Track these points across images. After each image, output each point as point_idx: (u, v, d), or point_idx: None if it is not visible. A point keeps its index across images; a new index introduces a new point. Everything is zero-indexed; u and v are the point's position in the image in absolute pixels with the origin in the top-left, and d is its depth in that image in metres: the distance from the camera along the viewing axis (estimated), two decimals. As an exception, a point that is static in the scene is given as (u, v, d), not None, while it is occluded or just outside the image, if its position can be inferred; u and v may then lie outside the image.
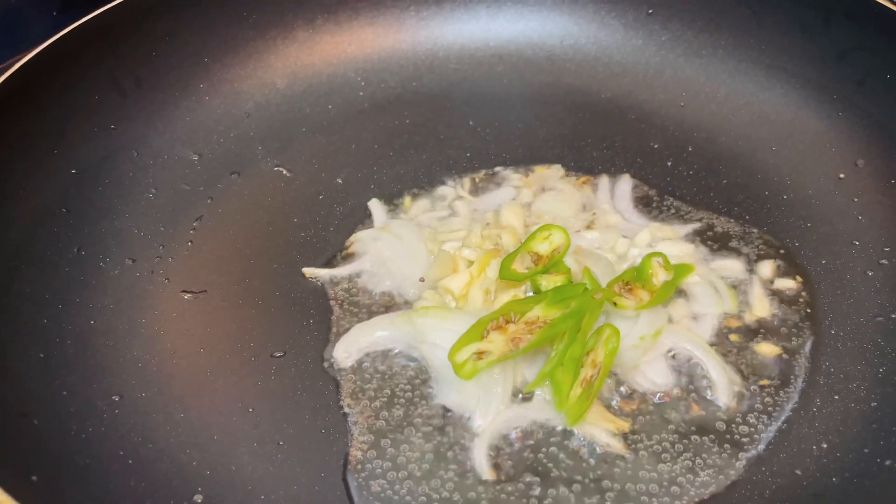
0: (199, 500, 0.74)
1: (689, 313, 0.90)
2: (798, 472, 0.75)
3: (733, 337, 0.88)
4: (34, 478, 0.63)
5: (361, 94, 1.22)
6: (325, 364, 0.88)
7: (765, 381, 0.84)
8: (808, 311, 0.90)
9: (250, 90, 1.18)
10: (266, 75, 1.20)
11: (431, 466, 0.78)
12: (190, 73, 1.14)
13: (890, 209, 0.97)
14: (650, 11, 1.22)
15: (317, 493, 0.76)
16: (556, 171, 1.10)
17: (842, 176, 1.03)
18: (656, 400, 0.83)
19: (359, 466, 0.78)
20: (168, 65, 1.12)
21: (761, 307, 0.91)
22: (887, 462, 0.73)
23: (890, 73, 1.03)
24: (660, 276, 0.89)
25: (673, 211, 1.03)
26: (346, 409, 0.83)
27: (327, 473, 0.77)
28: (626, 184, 1.07)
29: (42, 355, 0.82)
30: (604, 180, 1.08)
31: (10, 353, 0.80)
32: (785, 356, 0.86)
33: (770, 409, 0.81)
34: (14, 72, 0.94)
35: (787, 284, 0.93)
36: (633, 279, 0.90)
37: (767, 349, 0.87)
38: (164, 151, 1.09)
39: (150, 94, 1.10)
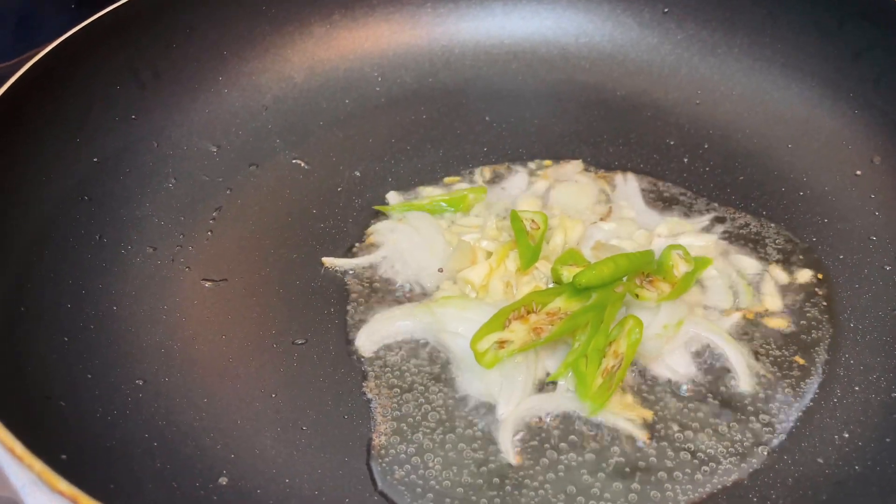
0: (224, 483, 0.74)
1: (707, 305, 0.90)
2: (820, 460, 0.76)
3: (751, 329, 0.89)
4: (63, 456, 0.63)
5: (378, 89, 1.23)
6: (347, 352, 0.88)
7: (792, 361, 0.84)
8: (827, 304, 0.91)
9: (268, 84, 1.19)
10: (284, 69, 1.20)
11: (455, 452, 0.78)
12: (208, 67, 1.15)
13: (907, 205, 0.98)
14: (665, 10, 1.23)
15: (340, 478, 0.76)
16: (576, 165, 1.10)
17: (858, 173, 1.04)
18: (679, 390, 0.83)
19: (382, 452, 0.78)
20: (187, 58, 1.13)
21: (777, 301, 0.92)
22: (909, 450, 0.73)
23: (906, 72, 1.04)
24: (680, 268, 0.90)
25: (689, 206, 1.04)
26: (369, 396, 0.83)
27: (351, 458, 0.78)
28: (632, 182, 1.07)
29: (66, 339, 0.82)
30: (619, 177, 1.09)
31: (34, 336, 0.80)
32: (804, 348, 0.86)
33: (791, 399, 0.82)
34: (35, 63, 0.95)
35: (805, 279, 0.94)
36: (654, 271, 0.90)
37: (786, 342, 0.87)
38: (183, 142, 1.09)
39: (169, 87, 1.11)
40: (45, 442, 0.62)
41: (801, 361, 0.85)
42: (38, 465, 0.53)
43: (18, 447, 0.54)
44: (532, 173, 1.10)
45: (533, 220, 0.97)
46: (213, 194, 1.06)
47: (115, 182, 1.01)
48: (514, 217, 0.96)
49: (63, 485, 0.51)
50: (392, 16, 1.26)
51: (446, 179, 1.10)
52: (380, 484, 0.76)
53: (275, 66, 1.20)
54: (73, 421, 0.74)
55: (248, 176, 1.09)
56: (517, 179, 1.09)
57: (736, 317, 0.90)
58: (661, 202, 1.05)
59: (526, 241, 0.94)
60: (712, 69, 1.20)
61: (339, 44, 1.24)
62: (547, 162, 1.12)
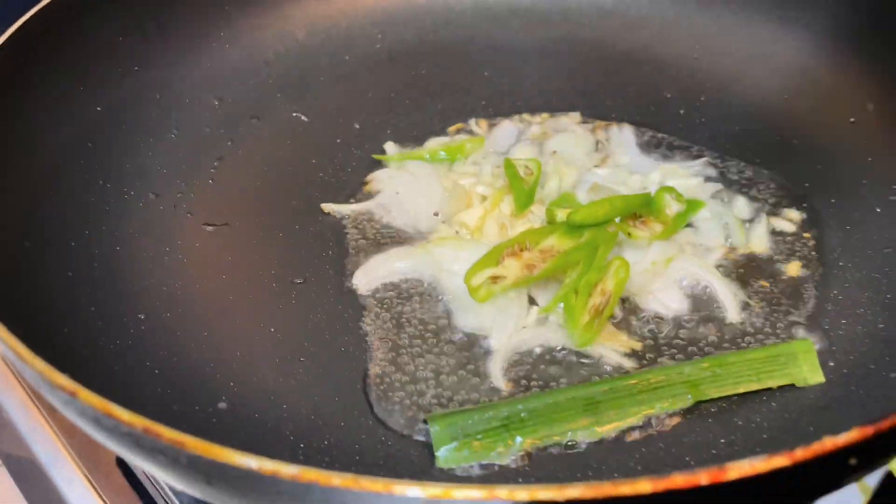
0: (224, 407, 0.76)
1: (698, 244, 0.92)
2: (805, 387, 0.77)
3: (742, 266, 0.90)
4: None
5: (379, 45, 1.24)
6: (345, 291, 0.90)
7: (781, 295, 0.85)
8: (817, 244, 0.92)
9: (270, 40, 1.20)
10: (286, 26, 1.22)
11: (449, 379, 0.80)
12: (211, 21, 1.17)
13: (899, 149, 0.99)
14: (665, -35, 1.23)
15: (337, 403, 0.78)
16: (573, 117, 1.12)
17: (852, 120, 1.05)
18: (668, 322, 0.84)
19: (377, 380, 0.80)
20: (191, 12, 1.14)
21: (769, 242, 0.93)
22: (892, 375, 0.75)
23: (899, 20, 1.04)
24: (672, 208, 0.91)
25: (684, 154, 1.05)
26: (366, 329, 0.85)
27: (347, 386, 0.80)
28: (628, 131, 1.08)
29: (70, 274, 0.84)
30: (615, 128, 1.10)
31: (39, 268, 0.82)
32: (794, 285, 0.88)
33: (780, 332, 0.83)
34: (38, 10, 0.96)
35: (797, 220, 0.95)
36: (646, 212, 0.92)
37: (776, 278, 0.88)
38: (185, 95, 1.11)
39: (172, 40, 1.12)
40: (45, 352, 0.63)
41: (791, 297, 0.86)
42: (40, 363, 0.55)
43: (22, 348, 0.57)
44: (529, 125, 1.11)
45: (526, 167, 0.98)
46: (214, 145, 1.08)
47: (119, 131, 1.02)
48: (508, 164, 0.97)
49: (64, 379, 0.53)
50: (394, -28, 1.28)
51: (450, 129, 1.11)
52: (375, 407, 0.78)
53: (277, 22, 1.22)
54: (77, 349, 0.76)
55: (249, 128, 1.11)
56: (514, 130, 1.10)
57: (725, 254, 0.91)
58: (657, 150, 1.06)
59: (520, 185, 0.95)
60: (710, 22, 1.21)
61: (340, 1, 1.25)
62: (544, 115, 1.13)
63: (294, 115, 1.14)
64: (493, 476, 0.71)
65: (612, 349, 0.82)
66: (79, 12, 1.02)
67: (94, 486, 0.93)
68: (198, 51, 1.15)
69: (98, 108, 1.02)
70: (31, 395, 1.01)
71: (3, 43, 0.91)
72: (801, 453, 0.46)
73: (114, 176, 0.98)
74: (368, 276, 0.91)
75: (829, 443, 0.46)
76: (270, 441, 0.73)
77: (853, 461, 0.48)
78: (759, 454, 0.47)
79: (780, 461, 0.45)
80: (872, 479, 0.82)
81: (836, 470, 0.49)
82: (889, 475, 0.79)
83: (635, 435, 0.74)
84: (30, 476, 1.01)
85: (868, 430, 0.47)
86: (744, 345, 0.82)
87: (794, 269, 0.89)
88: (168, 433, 0.50)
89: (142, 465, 0.55)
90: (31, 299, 0.77)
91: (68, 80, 0.99)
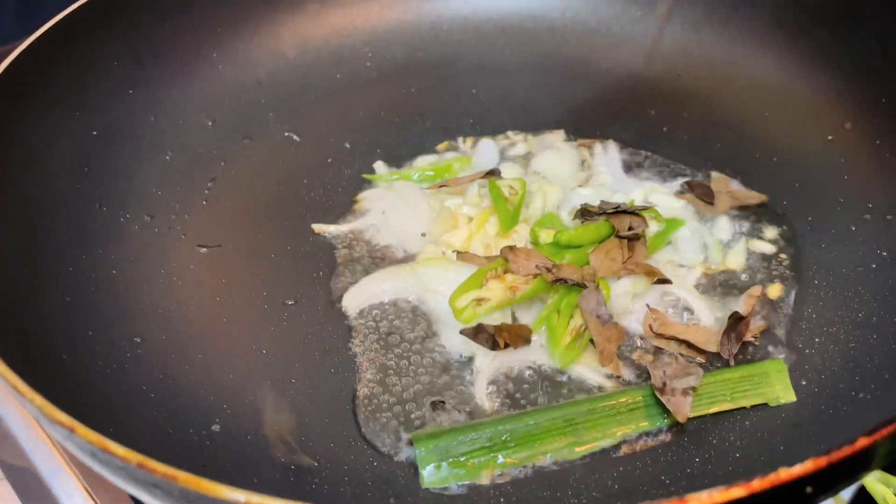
0: (217, 430, 0.79)
1: (676, 263, 0.95)
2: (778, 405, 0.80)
3: (719, 285, 0.93)
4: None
5: (368, 64, 1.26)
6: (335, 312, 0.93)
7: (753, 329, 0.88)
8: (794, 262, 0.95)
9: (261, 59, 1.23)
10: (277, 45, 1.24)
11: (435, 400, 0.83)
12: (204, 43, 1.19)
13: (875, 168, 1.01)
14: (648, -15, 1.26)
15: (326, 424, 0.81)
16: (558, 135, 1.14)
17: (830, 138, 1.07)
18: (648, 343, 0.87)
19: (366, 401, 0.83)
20: (183, 34, 1.16)
21: (746, 260, 0.95)
22: (861, 395, 0.77)
23: (877, 41, 1.07)
24: (651, 228, 0.94)
25: (667, 173, 1.08)
26: (355, 350, 0.88)
27: (336, 407, 0.82)
28: (612, 150, 1.11)
29: (67, 299, 0.87)
30: (599, 146, 1.12)
31: (38, 294, 0.84)
32: (770, 303, 0.90)
33: (752, 350, 0.86)
34: (35, 38, 0.98)
35: (775, 238, 0.97)
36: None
37: (753, 296, 0.91)
38: (179, 116, 1.13)
39: (165, 62, 1.14)
40: (46, 386, 0.66)
41: (765, 316, 0.89)
42: (39, 398, 0.58)
43: (20, 384, 0.59)
44: (515, 143, 1.14)
45: (511, 187, 1.01)
46: (208, 166, 1.10)
47: (114, 154, 1.05)
48: (492, 185, 1.00)
49: (62, 416, 0.56)
50: (382, -8, 1.30)
51: (438, 147, 1.14)
52: (363, 428, 0.80)
53: (268, 42, 1.24)
54: (74, 373, 0.79)
55: (241, 148, 1.13)
56: (500, 149, 1.13)
57: (704, 273, 0.94)
58: (640, 169, 1.09)
59: (504, 206, 0.98)
60: (693, 42, 1.23)
61: (330, 20, 1.28)
62: (530, 136, 1.15)
63: (286, 134, 1.16)
64: (475, 495, 0.74)
65: (593, 369, 0.85)
66: (73, 38, 1.04)
67: (93, 499, 0.95)
68: (191, 72, 1.17)
69: (94, 132, 1.04)
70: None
71: (0, 72, 0.93)
72: (758, 484, 0.48)
73: (110, 199, 1.01)
74: (357, 298, 0.93)
75: (785, 473, 0.49)
76: (262, 462, 0.76)
77: (809, 489, 0.51)
78: (731, 475, 0.49)
79: (737, 492, 0.48)
80: (847, 493, 0.85)
81: (794, 498, 0.51)
82: (862, 489, 0.82)
83: (613, 454, 0.77)
84: (31, 488, 1.03)
85: (822, 461, 0.50)
86: (719, 365, 0.85)
87: (774, 291, 0.91)
88: (161, 468, 0.53)
89: (139, 495, 0.57)
90: (30, 326, 0.80)
91: (64, 105, 1.02)
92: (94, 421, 0.60)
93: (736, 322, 0.85)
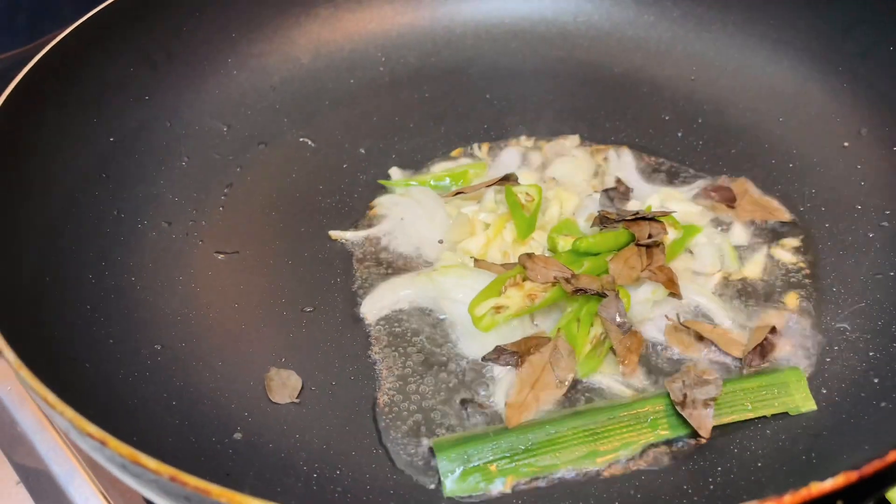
0: (239, 437, 0.79)
1: (694, 271, 0.95)
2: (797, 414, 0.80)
3: (737, 292, 0.93)
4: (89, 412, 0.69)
5: (382, 69, 1.26)
6: (353, 319, 0.93)
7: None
8: (812, 270, 0.95)
9: (276, 65, 1.23)
10: (291, 51, 1.25)
11: (454, 407, 0.83)
12: (218, 49, 1.19)
13: (891, 175, 1.01)
14: (662, -12, 1.26)
15: (347, 433, 0.81)
16: (573, 140, 1.14)
17: (846, 144, 1.07)
18: (669, 351, 0.87)
19: (386, 409, 0.83)
20: (197, 40, 1.17)
21: (763, 268, 0.96)
22: (882, 404, 0.77)
23: (892, 46, 1.07)
24: (669, 236, 0.94)
25: (682, 178, 1.08)
26: (374, 358, 0.88)
27: (357, 415, 0.83)
28: (627, 155, 1.11)
29: (88, 307, 0.87)
30: (613, 151, 1.12)
31: (59, 305, 0.85)
32: (788, 312, 0.90)
33: (773, 359, 0.86)
34: (53, 47, 0.99)
35: (793, 245, 0.98)
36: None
37: (772, 305, 0.91)
38: (195, 122, 1.14)
39: (180, 69, 1.15)
40: (74, 398, 0.66)
41: (785, 324, 0.89)
42: (70, 411, 0.58)
43: (51, 396, 0.59)
44: (530, 149, 1.14)
45: (527, 193, 1.01)
46: (224, 172, 1.10)
47: (131, 160, 1.05)
48: (508, 192, 1.00)
49: (93, 428, 0.56)
50: (395, -3, 1.30)
51: (452, 153, 1.14)
52: (384, 437, 0.81)
53: (282, 47, 1.24)
54: (97, 381, 0.79)
55: (257, 154, 1.14)
56: (515, 155, 1.13)
57: (722, 280, 0.94)
58: (655, 174, 1.09)
59: (520, 212, 0.98)
60: (707, 45, 1.23)
61: (343, 25, 1.28)
62: (543, 142, 1.16)
63: (301, 140, 1.16)
64: (498, 504, 0.74)
65: (614, 378, 0.85)
66: (89, 45, 1.04)
67: (107, 500, 0.95)
68: (206, 78, 1.18)
69: (111, 139, 1.04)
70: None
71: (19, 81, 0.93)
72: (790, 499, 0.49)
73: (128, 205, 1.01)
74: (375, 305, 0.94)
75: (816, 488, 0.49)
76: (284, 471, 0.76)
77: (840, 503, 0.51)
78: (755, 485, 0.49)
79: (769, 507, 0.48)
80: None
81: (824, 512, 0.51)
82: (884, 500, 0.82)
83: (634, 464, 0.77)
84: (46, 491, 1.03)
85: (853, 476, 0.50)
86: (735, 367, 0.85)
87: (792, 300, 0.91)
88: (193, 481, 0.53)
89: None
90: (53, 336, 0.80)
91: (82, 113, 1.02)
92: (121, 432, 0.61)
93: (768, 335, 0.84)
